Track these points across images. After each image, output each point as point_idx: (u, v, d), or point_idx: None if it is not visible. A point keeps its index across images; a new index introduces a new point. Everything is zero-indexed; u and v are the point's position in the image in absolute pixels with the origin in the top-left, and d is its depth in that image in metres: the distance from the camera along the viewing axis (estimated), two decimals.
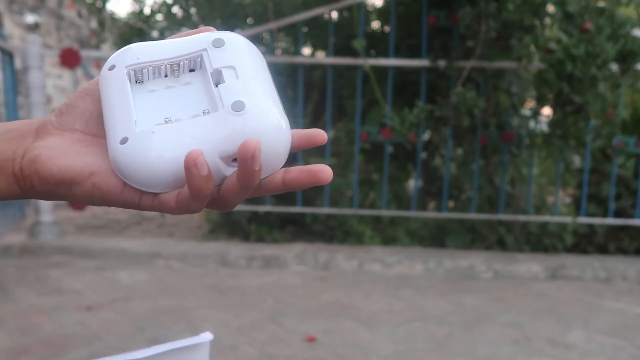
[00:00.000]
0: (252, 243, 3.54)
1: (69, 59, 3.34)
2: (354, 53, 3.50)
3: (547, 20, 3.40)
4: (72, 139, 0.38)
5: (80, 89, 0.40)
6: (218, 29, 0.39)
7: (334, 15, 3.79)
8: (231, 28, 3.98)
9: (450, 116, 3.33)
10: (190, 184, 0.34)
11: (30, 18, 3.40)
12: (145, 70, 0.37)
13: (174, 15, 4.24)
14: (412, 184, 3.98)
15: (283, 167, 0.37)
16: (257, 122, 0.34)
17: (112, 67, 0.37)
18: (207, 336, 0.65)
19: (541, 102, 3.48)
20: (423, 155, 3.82)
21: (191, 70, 0.38)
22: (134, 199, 0.36)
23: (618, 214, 3.56)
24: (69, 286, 2.73)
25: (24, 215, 4.12)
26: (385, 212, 3.57)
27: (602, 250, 3.58)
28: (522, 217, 3.50)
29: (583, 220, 3.49)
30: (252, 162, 0.33)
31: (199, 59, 0.37)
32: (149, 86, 0.37)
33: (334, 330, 2.24)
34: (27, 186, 0.37)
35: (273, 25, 3.52)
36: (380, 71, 3.50)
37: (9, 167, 0.37)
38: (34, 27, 3.39)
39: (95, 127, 0.38)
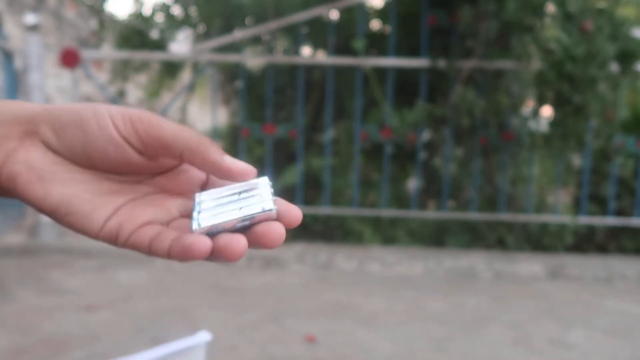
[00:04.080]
0: None
1: (69, 59, 3.34)
2: (354, 53, 3.50)
3: (548, 21, 3.40)
4: (54, 160, 0.36)
5: (77, 111, 0.36)
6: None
7: (334, 15, 3.79)
8: (231, 28, 3.99)
9: (450, 116, 3.33)
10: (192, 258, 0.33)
11: (30, 18, 3.40)
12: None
13: (174, 15, 4.23)
14: (411, 183, 3.98)
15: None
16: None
17: None
18: (204, 336, 0.65)
19: (541, 102, 3.48)
20: (423, 155, 3.82)
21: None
22: (111, 240, 0.36)
23: (618, 213, 3.56)
24: (69, 286, 2.73)
25: (24, 216, 4.12)
26: (385, 212, 3.57)
27: (602, 250, 3.58)
28: (522, 217, 3.50)
29: (583, 220, 3.49)
30: None
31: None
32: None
33: (334, 330, 2.24)
34: (7, 191, 0.36)
35: (273, 25, 3.52)
36: (380, 71, 3.50)
37: None
38: (34, 27, 3.39)
39: (83, 158, 0.36)
